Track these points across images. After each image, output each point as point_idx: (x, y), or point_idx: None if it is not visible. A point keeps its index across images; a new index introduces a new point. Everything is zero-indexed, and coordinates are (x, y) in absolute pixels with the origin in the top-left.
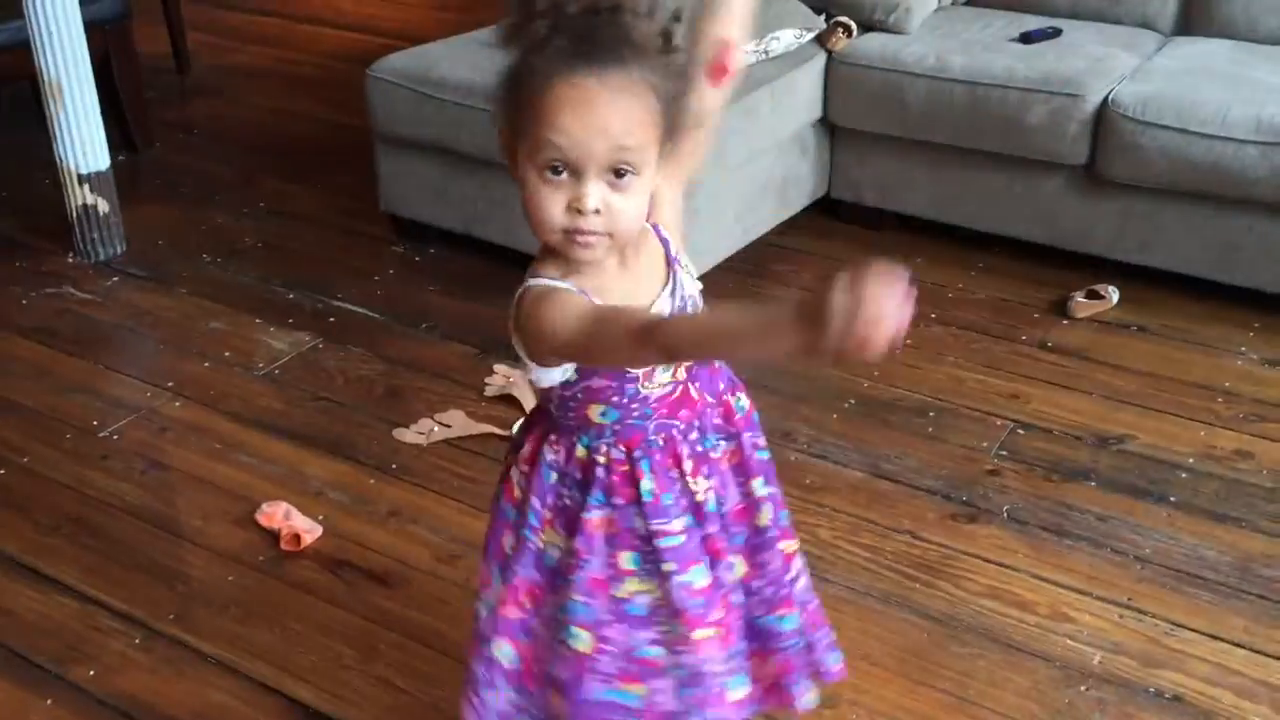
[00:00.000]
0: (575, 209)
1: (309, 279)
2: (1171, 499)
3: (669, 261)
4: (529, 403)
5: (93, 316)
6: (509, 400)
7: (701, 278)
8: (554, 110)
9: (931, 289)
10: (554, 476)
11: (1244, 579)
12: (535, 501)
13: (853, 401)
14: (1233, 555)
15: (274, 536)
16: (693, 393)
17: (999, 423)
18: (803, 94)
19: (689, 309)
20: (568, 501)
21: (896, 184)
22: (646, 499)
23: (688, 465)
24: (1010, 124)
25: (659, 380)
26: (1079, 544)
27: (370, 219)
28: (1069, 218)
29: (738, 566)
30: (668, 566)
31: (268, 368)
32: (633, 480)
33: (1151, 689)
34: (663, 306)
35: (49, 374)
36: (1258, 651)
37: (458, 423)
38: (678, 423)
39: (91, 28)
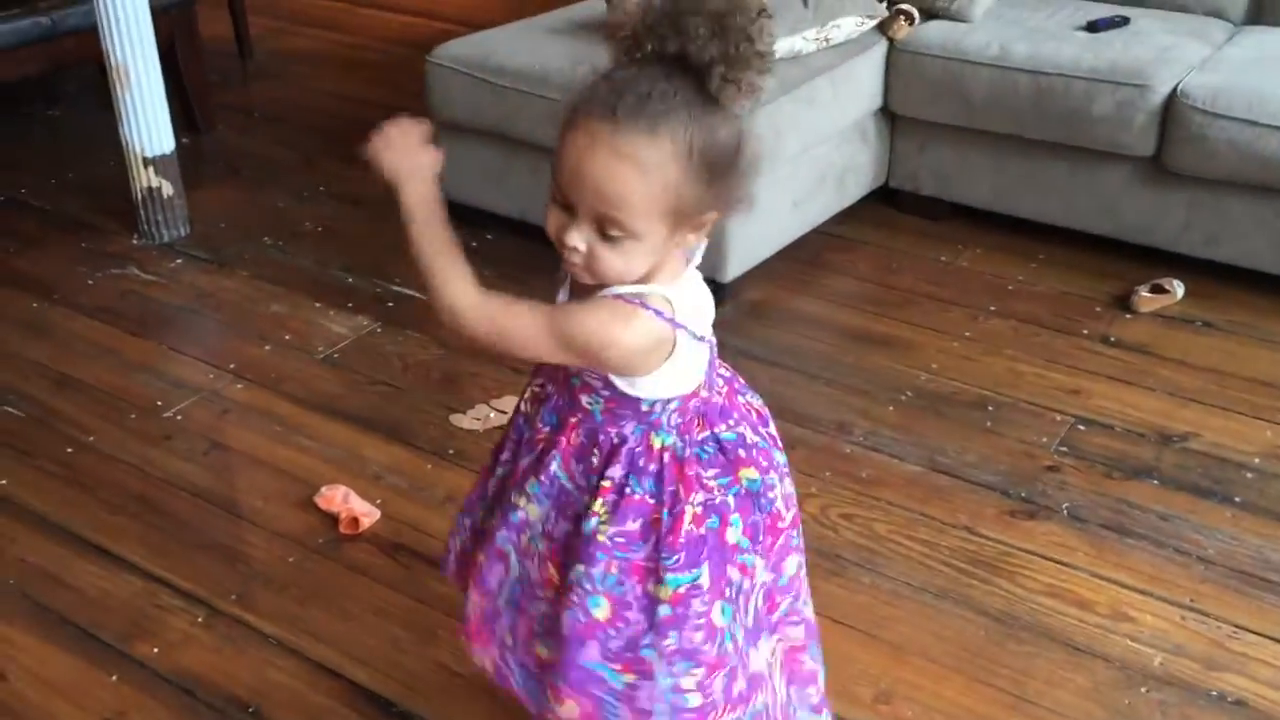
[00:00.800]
0: (559, 240)
1: (367, 263)
2: (1236, 499)
3: None
4: None
5: (156, 297)
6: None
7: (758, 267)
8: (565, 148)
9: (991, 281)
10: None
11: None
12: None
13: (909, 394)
14: None
15: (333, 519)
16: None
17: (1059, 418)
18: (863, 82)
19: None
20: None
21: (957, 174)
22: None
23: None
24: (1075, 114)
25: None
26: (1140, 543)
27: None
28: (1133, 210)
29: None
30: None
31: (327, 351)
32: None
33: (1214, 692)
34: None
35: (113, 353)
36: None
37: (512, 409)
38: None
39: (157, 13)
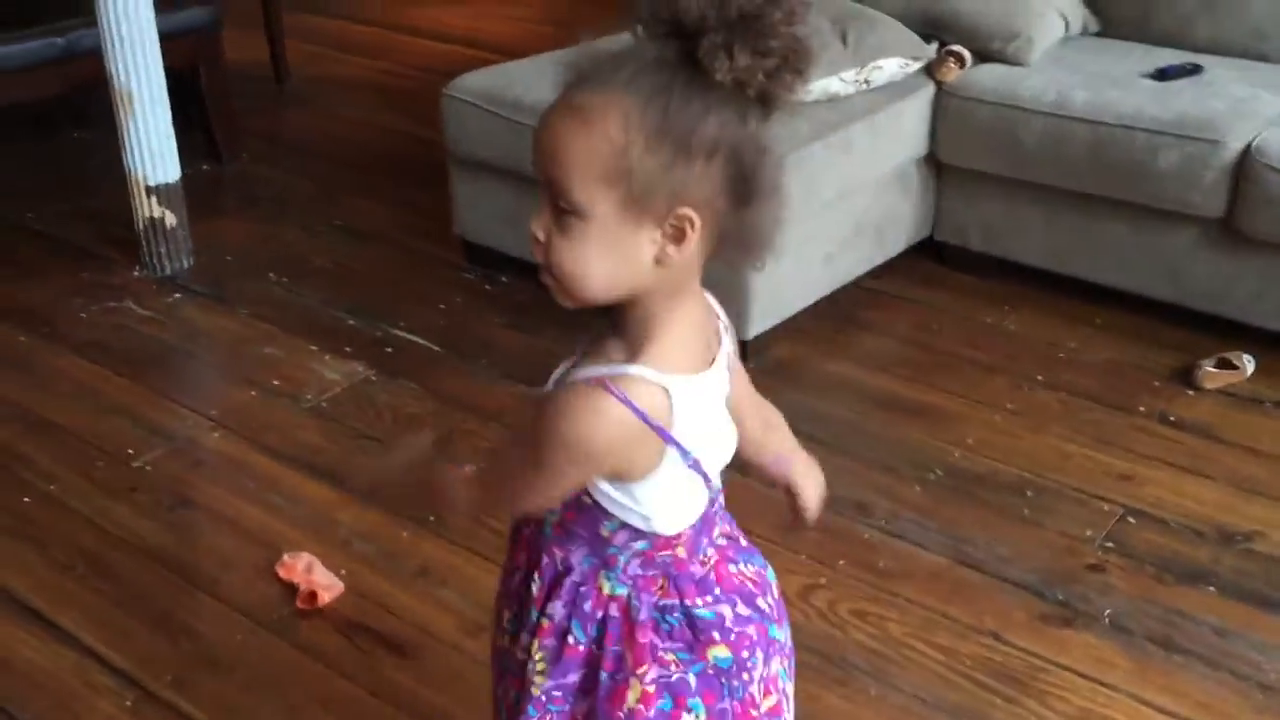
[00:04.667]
0: (530, 230)
1: (373, 304)
2: None
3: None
4: None
5: (149, 334)
6: None
7: (786, 323)
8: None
9: (1040, 347)
10: None
11: None
12: None
13: (939, 472)
14: None
15: (293, 590)
16: None
17: (1106, 508)
18: (907, 127)
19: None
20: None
21: (1007, 229)
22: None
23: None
24: (1137, 169)
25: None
26: (1191, 662)
27: (444, 243)
28: (1200, 275)
29: None
30: None
31: (316, 399)
32: None
33: None
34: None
35: (93, 394)
36: None
37: None
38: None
39: (180, 36)
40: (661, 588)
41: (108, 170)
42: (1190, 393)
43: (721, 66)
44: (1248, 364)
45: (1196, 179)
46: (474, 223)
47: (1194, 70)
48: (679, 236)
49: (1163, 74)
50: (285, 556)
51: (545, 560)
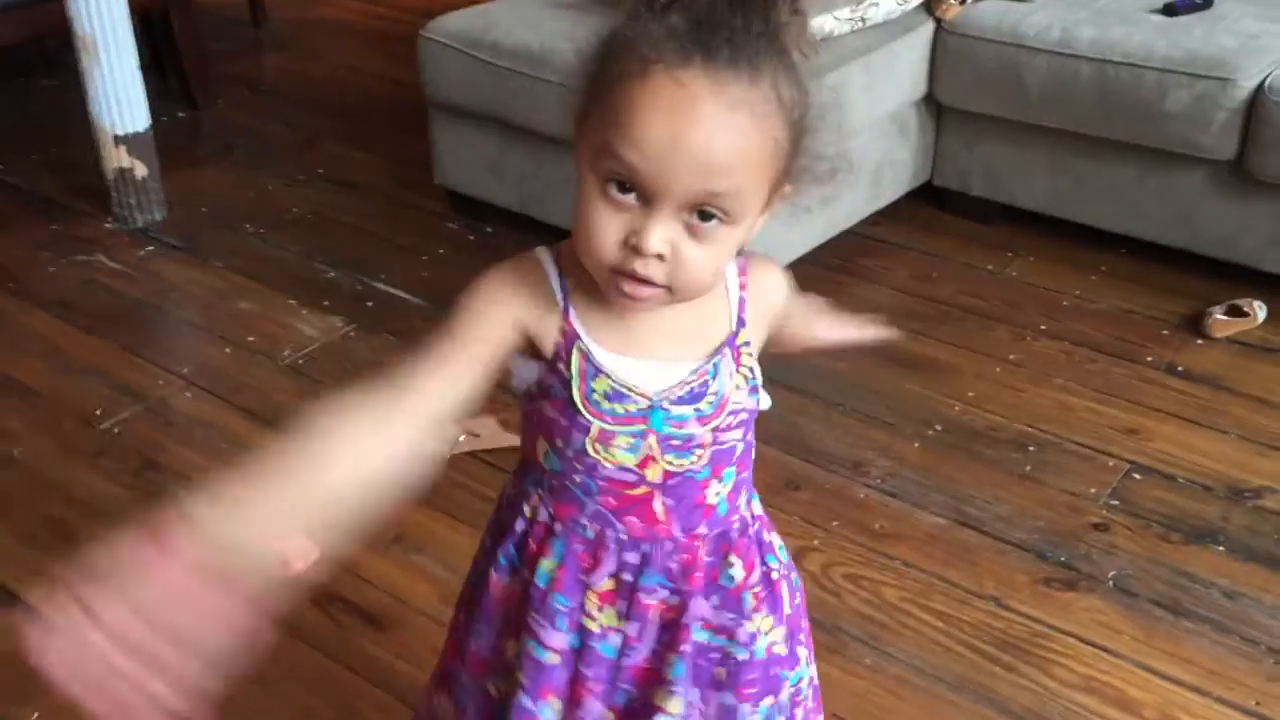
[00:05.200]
0: (632, 245)
1: (353, 256)
2: None
3: (727, 343)
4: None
5: (119, 289)
6: None
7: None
8: (639, 110)
9: (1043, 295)
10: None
11: None
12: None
13: (939, 428)
14: None
15: None
16: (657, 508)
17: (1111, 464)
18: (904, 68)
19: (706, 420)
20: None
21: (1009, 173)
22: (539, 583)
23: (601, 584)
24: (1146, 109)
25: (618, 455)
26: (1200, 627)
27: (428, 192)
28: (1210, 220)
29: None
30: (517, 677)
31: (292, 356)
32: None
33: None
34: (656, 391)
35: (61, 353)
36: None
37: (488, 431)
38: (620, 527)
39: None
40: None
41: (77, 119)
42: (1199, 341)
43: (799, 31)
44: (1259, 311)
45: (1207, 120)
46: (456, 171)
47: (1204, 4)
48: (768, 213)
49: (1171, 9)
50: None
51: (734, 535)
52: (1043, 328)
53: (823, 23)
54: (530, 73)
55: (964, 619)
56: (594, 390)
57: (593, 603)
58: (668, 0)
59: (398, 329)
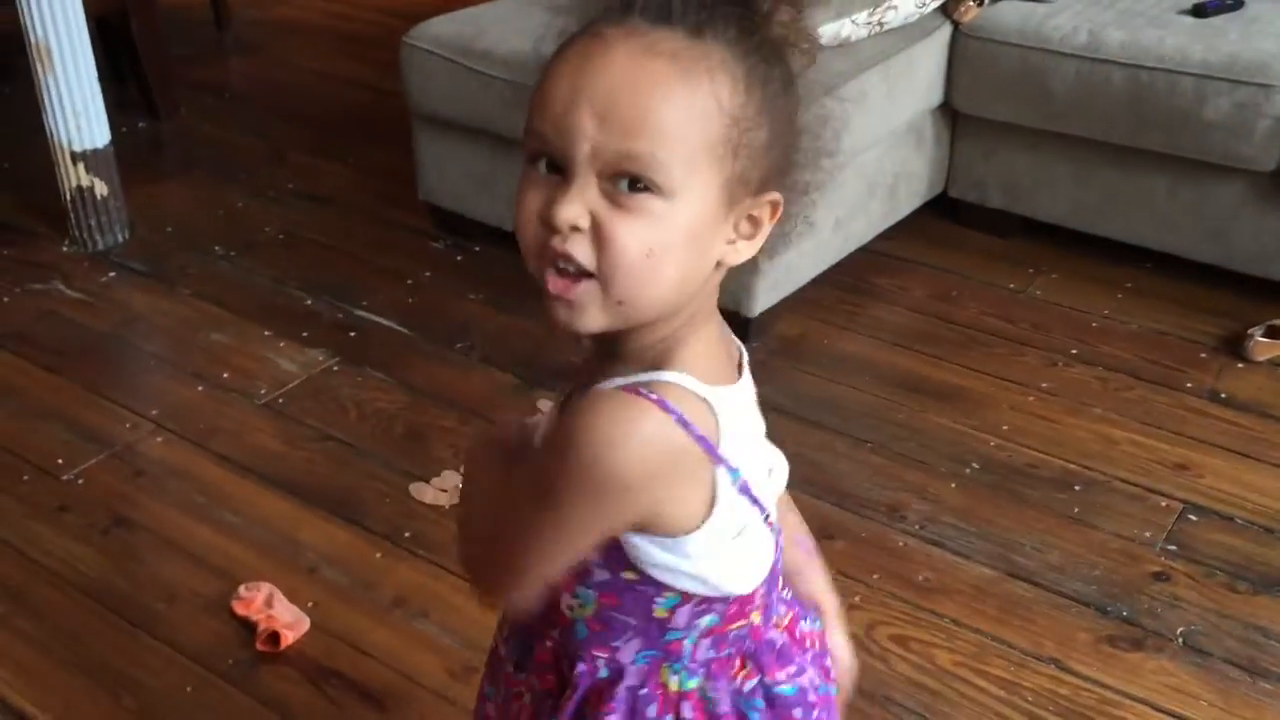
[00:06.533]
0: (545, 220)
1: (332, 281)
2: None
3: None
4: None
5: (79, 321)
6: None
7: (795, 294)
8: (550, 74)
9: (1071, 315)
10: None
11: None
12: None
13: (975, 466)
14: None
15: (250, 629)
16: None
17: (1164, 504)
18: (922, 74)
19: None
20: None
21: (1031, 184)
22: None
23: None
24: (1180, 118)
25: None
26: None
27: (410, 208)
28: (1249, 235)
29: None
30: None
31: (271, 394)
32: None
33: None
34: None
35: (17, 394)
36: None
37: None
38: None
39: None
40: (741, 668)
41: (33, 132)
42: (1240, 365)
43: (787, 20)
44: None
45: (1247, 129)
46: (442, 186)
47: (1236, 5)
48: (753, 230)
49: (1201, 10)
50: (241, 589)
51: (582, 668)
52: (1074, 352)
53: (839, 28)
54: (526, 82)
55: (1025, 685)
56: None
57: None
58: None
59: (384, 361)
